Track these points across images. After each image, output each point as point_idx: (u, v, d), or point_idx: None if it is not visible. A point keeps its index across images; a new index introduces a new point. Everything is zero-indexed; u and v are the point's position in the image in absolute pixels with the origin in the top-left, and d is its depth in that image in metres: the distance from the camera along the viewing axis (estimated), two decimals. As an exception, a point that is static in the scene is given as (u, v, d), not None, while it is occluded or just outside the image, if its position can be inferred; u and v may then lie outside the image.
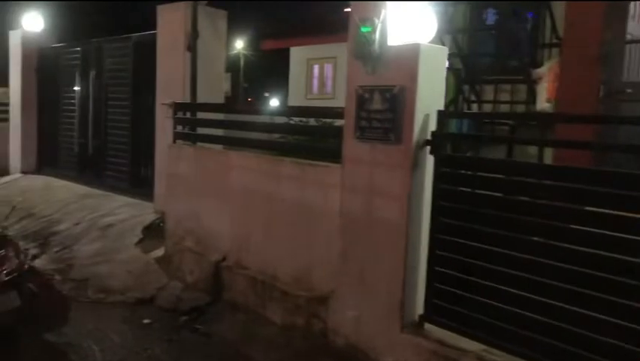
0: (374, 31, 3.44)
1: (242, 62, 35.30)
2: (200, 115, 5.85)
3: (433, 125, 3.42)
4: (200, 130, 5.69)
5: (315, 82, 15.51)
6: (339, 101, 12.56)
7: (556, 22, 6.32)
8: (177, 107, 5.59)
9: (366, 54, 3.48)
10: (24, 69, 9.62)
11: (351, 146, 3.69)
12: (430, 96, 3.42)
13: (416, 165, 3.40)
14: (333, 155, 3.97)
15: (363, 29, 3.46)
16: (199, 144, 5.56)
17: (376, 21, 3.43)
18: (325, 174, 3.98)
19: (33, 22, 9.68)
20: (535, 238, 3.06)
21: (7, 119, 10.00)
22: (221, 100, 6.74)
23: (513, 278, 3.07)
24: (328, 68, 15.15)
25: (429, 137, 3.41)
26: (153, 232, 6.31)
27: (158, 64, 6.72)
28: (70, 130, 8.82)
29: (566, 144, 3.59)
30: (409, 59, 3.34)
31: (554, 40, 6.43)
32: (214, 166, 5.02)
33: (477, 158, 3.35)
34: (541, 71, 5.94)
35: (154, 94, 7.06)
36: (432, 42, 3.46)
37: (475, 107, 7.09)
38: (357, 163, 3.67)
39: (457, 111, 6.59)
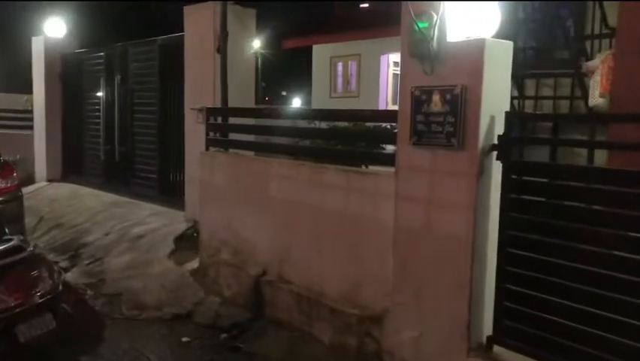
0: (431, 26, 3.13)
1: (259, 61, 35.06)
2: (233, 120, 5.61)
3: (499, 128, 3.11)
4: (233, 136, 5.43)
5: (339, 80, 15.21)
6: (364, 100, 12.26)
7: (605, 10, 5.93)
8: (210, 112, 5.34)
9: (423, 52, 3.18)
10: (47, 76, 9.47)
11: (407, 152, 3.39)
12: (496, 96, 3.11)
13: (482, 172, 3.09)
14: (381, 161, 3.69)
15: (420, 25, 3.16)
16: (232, 150, 5.32)
17: (434, 16, 3.13)
18: (375, 183, 3.69)
19: (55, 28, 9.52)
20: (618, 252, 2.74)
21: (31, 127, 9.88)
22: (252, 103, 6.48)
23: (592, 296, 2.76)
24: (352, 66, 14.84)
25: (495, 141, 3.10)
26: (186, 242, 6.08)
27: (186, 67, 6.49)
28: (96, 137, 8.64)
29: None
30: (473, 55, 3.03)
31: (605, 31, 6.03)
32: (251, 174, 4.75)
33: (551, 164, 3.02)
34: (593, 64, 5.53)
35: (182, 98, 6.84)
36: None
37: (516, 104, 6.72)
38: (413, 171, 3.37)
39: (527, 112, 6.20)
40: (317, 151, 4.64)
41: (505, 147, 3.07)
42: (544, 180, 3.06)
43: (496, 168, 3.12)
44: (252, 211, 4.71)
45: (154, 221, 6.82)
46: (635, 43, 5.09)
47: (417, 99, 3.29)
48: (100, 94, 8.43)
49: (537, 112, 6.44)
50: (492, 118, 3.09)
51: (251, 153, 5.37)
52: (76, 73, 9.16)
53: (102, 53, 8.43)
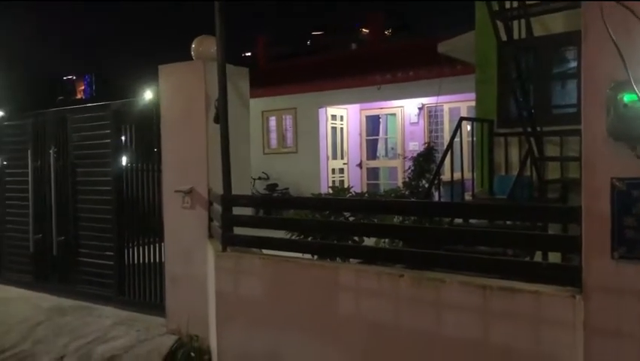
0: (649, 99, 2.29)
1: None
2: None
3: None
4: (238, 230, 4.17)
5: (273, 135, 14.27)
6: (303, 156, 11.28)
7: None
8: (226, 201, 4.12)
9: (635, 134, 2.32)
10: (-55, 148, 7.62)
11: (604, 267, 2.47)
12: None
13: None
14: (538, 274, 2.73)
15: (629, 98, 2.30)
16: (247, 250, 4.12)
17: (651, 85, 2.29)
18: (537, 305, 2.71)
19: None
20: None
21: None
22: (248, 183, 5.30)
23: None
24: (288, 120, 13.97)
25: None
26: (182, 365, 4.71)
27: (163, 139, 5.22)
28: (21, 223, 6.93)
29: None
30: None
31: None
32: (305, 286, 3.58)
33: None
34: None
35: (149, 174, 5.55)
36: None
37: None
38: (617, 294, 2.45)
39: None
40: (427, 257, 3.26)
41: None
42: None
43: None
44: (310, 338, 3.53)
45: (123, 334, 5.32)
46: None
47: (623, 195, 2.39)
48: (26, 170, 6.78)
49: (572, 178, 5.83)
50: None
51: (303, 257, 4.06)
52: (-13, 144, 7.43)
53: (29, 120, 6.82)
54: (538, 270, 2.84)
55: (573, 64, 6.18)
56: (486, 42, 6.27)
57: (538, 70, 6.32)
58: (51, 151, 6.50)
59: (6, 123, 7.23)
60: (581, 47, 2.49)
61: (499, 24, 5.14)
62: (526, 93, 5.75)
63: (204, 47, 5.03)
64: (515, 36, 5.44)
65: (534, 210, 3.05)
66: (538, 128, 5.85)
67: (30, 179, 6.73)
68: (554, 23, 5.96)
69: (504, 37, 5.27)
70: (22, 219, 6.90)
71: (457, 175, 6.54)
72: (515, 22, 5.49)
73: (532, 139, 5.71)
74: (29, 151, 6.73)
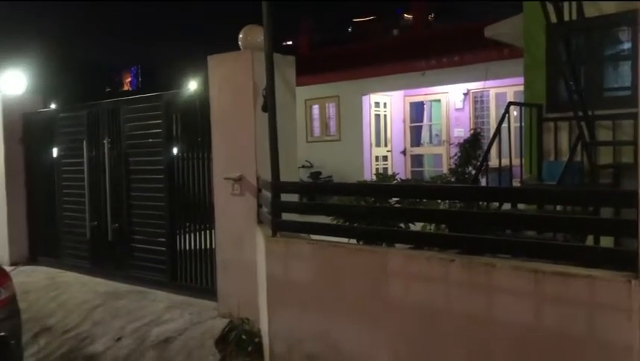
0: None
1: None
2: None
3: None
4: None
5: (316, 123, 14.33)
6: (346, 143, 11.27)
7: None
8: (275, 188, 4.21)
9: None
10: (7, 140, 8.01)
11: (661, 252, 2.44)
12: None
13: None
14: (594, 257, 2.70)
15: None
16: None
17: None
18: (590, 290, 2.69)
19: (13, 84, 8.12)
20: None
21: (-13, 201, 8.31)
22: (296, 170, 5.37)
23: None
24: (331, 108, 14.00)
25: None
26: (234, 348, 4.84)
27: (213, 128, 5.34)
28: (78, 211, 7.23)
29: None
30: None
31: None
32: (354, 270, 3.64)
33: None
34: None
35: (199, 163, 5.70)
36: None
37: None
38: (676, 279, 2.41)
39: None
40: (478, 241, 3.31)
41: None
42: None
43: None
44: (360, 321, 3.59)
45: (176, 317, 5.51)
46: None
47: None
48: (81, 160, 7.05)
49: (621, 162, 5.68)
50: None
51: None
52: (45, 135, 7.76)
53: (83, 112, 7.08)
54: (592, 254, 2.81)
55: (627, 45, 6.00)
56: (535, 25, 6.15)
57: (590, 52, 6.16)
58: (105, 141, 6.73)
59: (62, 115, 7.52)
60: (636, 28, 2.44)
61: (549, 5, 5.03)
62: (577, 76, 5.61)
63: (251, 36, 5.11)
64: (566, 18, 5.33)
65: (589, 194, 3.01)
66: (590, 112, 5.72)
67: (85, 168, 7.00)
68: (606, 4, 5.80)
69: (554, 19, 5.16)
70: (79, 207, 7.19)
71: (504, 162, 6.45)
72: (565, 4, 5.37)
73: (583, 123, 5.58)
74: (84, 141, 6.99)
